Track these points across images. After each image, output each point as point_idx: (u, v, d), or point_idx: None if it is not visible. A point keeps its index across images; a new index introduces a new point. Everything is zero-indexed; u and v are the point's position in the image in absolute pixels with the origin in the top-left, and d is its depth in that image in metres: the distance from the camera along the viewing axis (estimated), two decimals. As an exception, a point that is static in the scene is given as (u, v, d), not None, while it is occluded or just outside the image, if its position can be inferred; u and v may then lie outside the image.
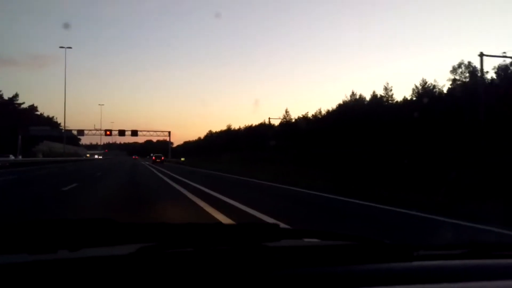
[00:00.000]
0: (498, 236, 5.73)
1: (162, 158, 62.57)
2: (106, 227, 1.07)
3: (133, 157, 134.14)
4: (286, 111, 71.03)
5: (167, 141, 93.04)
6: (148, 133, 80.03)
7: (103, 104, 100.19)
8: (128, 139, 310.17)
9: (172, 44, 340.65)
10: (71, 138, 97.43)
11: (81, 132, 72.34)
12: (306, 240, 1.31)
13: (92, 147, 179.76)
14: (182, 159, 50.94)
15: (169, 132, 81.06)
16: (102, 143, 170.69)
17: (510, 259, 1.23)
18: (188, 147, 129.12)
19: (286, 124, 68.16)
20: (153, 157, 63.70)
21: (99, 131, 73.90)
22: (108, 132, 72.67)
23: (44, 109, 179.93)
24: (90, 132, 72.96)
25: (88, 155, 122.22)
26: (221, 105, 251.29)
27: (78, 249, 1.01)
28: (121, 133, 72.99)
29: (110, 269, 0.95)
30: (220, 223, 1.30)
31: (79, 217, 1.13)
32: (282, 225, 1.38)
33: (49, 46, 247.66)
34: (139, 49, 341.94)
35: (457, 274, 1.07)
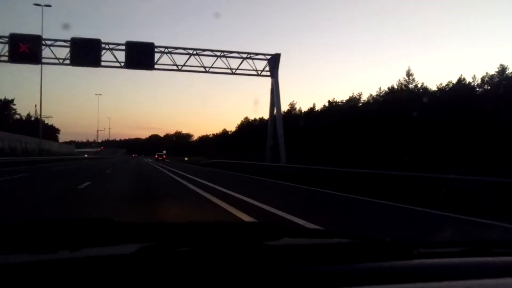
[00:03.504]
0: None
1: (164, 156, 63.00)
2: (107, 227, 1.08)
3: (132, 155, 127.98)
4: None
5: (182, 135, 74.01)
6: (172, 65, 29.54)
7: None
8: (128, 132, 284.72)
9: (175, 42, 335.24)
10: (49, 129, 74.18)
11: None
12: (307, 239, 1.31)
13: (86, 144, 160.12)
14: None
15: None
16: (100, 140, 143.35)
17: (511, 257, 1.23)
18: (209, 143, 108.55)
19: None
20: (156, 155, 62.87)
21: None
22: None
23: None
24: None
25: (89, 155, 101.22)
26: (222, 103, 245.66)
27: (79, 249, 1.02)
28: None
29: (111, 268, 0.96)
30: (221, 222, 1.32)
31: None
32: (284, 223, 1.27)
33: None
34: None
35: (458, 272, 1.07)
